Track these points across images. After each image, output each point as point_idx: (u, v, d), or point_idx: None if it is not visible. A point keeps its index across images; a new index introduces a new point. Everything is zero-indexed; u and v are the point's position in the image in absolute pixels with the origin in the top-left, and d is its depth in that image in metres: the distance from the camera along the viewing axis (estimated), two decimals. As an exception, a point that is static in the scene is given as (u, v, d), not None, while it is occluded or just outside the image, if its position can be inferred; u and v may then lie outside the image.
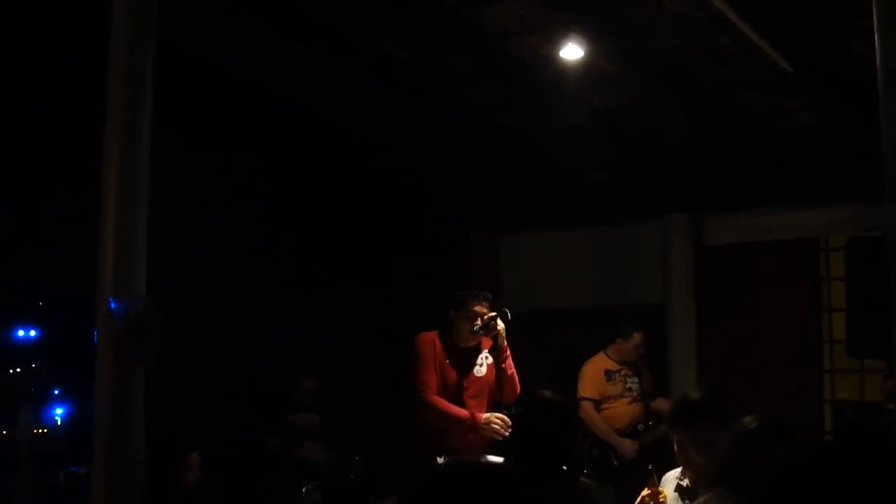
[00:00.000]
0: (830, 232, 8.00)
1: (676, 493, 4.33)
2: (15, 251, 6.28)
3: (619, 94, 7.17)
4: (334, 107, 7.71)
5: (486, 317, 5.45)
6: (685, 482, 4.44)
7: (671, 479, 4.38)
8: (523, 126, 7.88)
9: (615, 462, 7.03)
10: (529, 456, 3.91)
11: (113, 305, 1.99)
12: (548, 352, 8.76)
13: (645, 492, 4.21)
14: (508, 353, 5.51)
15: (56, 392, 6.63)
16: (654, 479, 4.26)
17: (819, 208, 7.87)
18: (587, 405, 7.13)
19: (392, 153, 8.34)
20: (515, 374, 5.55)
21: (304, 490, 6.87)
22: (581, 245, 9.05)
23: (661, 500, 4.15)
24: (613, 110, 7.43)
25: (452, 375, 5.48)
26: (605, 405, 7.16)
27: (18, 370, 5.97)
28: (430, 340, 5.50)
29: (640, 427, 7.14)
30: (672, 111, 7.38)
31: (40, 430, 6.88)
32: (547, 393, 4.32)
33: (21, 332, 6.70)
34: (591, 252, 8.99)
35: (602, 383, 7.20)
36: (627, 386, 7.25)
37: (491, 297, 5.63)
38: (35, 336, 6.72)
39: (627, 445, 7.03)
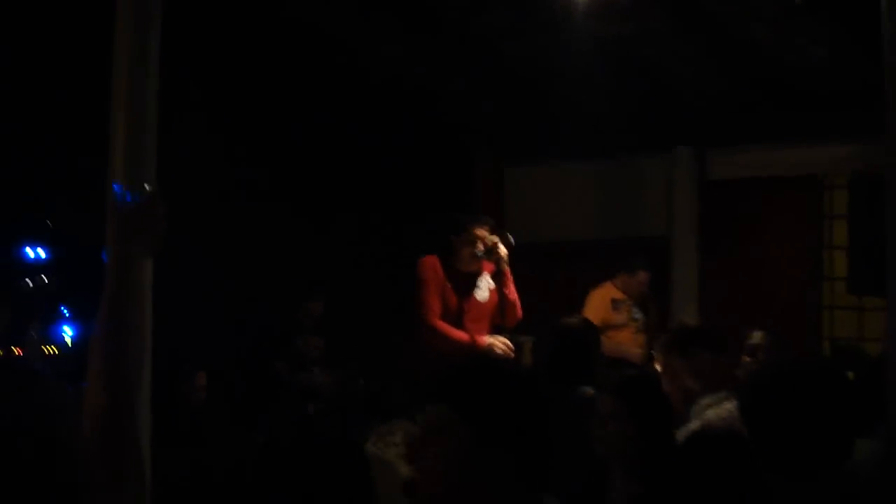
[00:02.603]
0: (834, 169, 8.02)
1: None
2: (22, 170, 6.33)
3: (627, 24, 7.14)
4: (339, 32, 7.68)
5: (489, 241, 5.52)
6: None
7: None
8: (531, 56, 7.85)
9: None
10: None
11: (117, 190, 1.97)
12: (551, 283, 8.84)
13: None
14: (510, 278, 5.59)
15: (65, 311, 6.71)
16: None
17: (824, 145, 7.87)
18: None
19: (398, 81, 8.33)
20: (517, 299, 5.63)
21: (308, 412, 6.99)
22: (586, 177, 9.06)
23: None
24: (621, 41, 7.40)
25: (453, 299, 5.57)
26: (610, 333, 7.26)
27: (29, 282, 6.05)
28: (432, 265, 5.58)
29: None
30: (680, 44, 7.35)
31: (51, 349, 6.98)
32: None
33: (30, 252, 6.78)
34: (595, 185, 9.00)
35: (607, 310, 7.32)
36: (633, 316, 7.38)
37: (492, 221, 5.69)
38: (44, 256, 6.80)
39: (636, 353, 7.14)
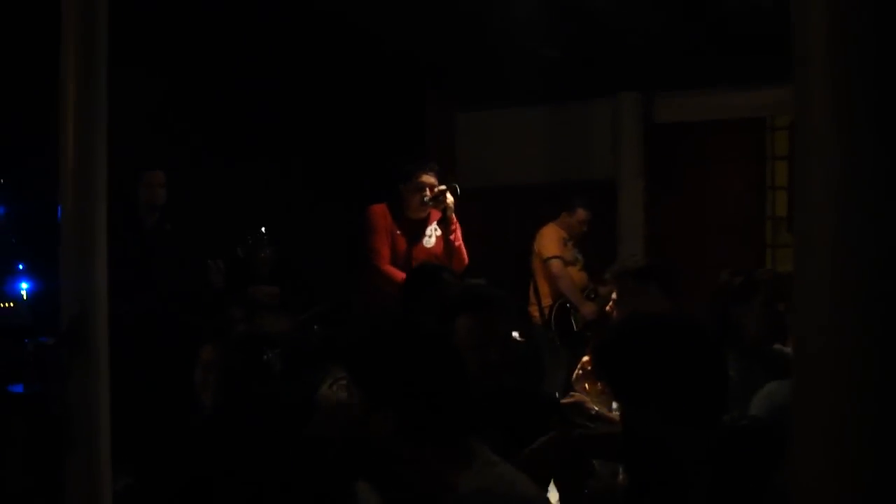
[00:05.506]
0: (777, 111, 8.20)
1: None
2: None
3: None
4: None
5: (436, 189, 5.66)
6: None
7: None
8: (479, 1, 7.89)
9: (575, 327, 7.34)
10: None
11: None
12: (503, 227, 9.02)
13: (585, 358, 4.48)
14: (457, 225, 5.74)
15: (21, 267, 6.73)
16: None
17: (767, 88, 8.02)
18: (556, 263, 7.42)
19: (347, 27, 8.33)
20: (463, 246, 5.79)
21: (265, 358, 7.07)
22: (535, 122, 9.20)
23: None
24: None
25: (402, 246, 5.73)
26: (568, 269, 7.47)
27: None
28: (381, 212, 5.73)
29: (592, 295, 7.43)
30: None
31: (7, 304, 6.99)
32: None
33: (-16, 209, 6.77)
34: (544, 129, 9.15)
35: (561, 246, 7.49)
36: (576, 255, 7.57)
37: (437, 167, 5.83)
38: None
39: (590, 307, 7.30)
